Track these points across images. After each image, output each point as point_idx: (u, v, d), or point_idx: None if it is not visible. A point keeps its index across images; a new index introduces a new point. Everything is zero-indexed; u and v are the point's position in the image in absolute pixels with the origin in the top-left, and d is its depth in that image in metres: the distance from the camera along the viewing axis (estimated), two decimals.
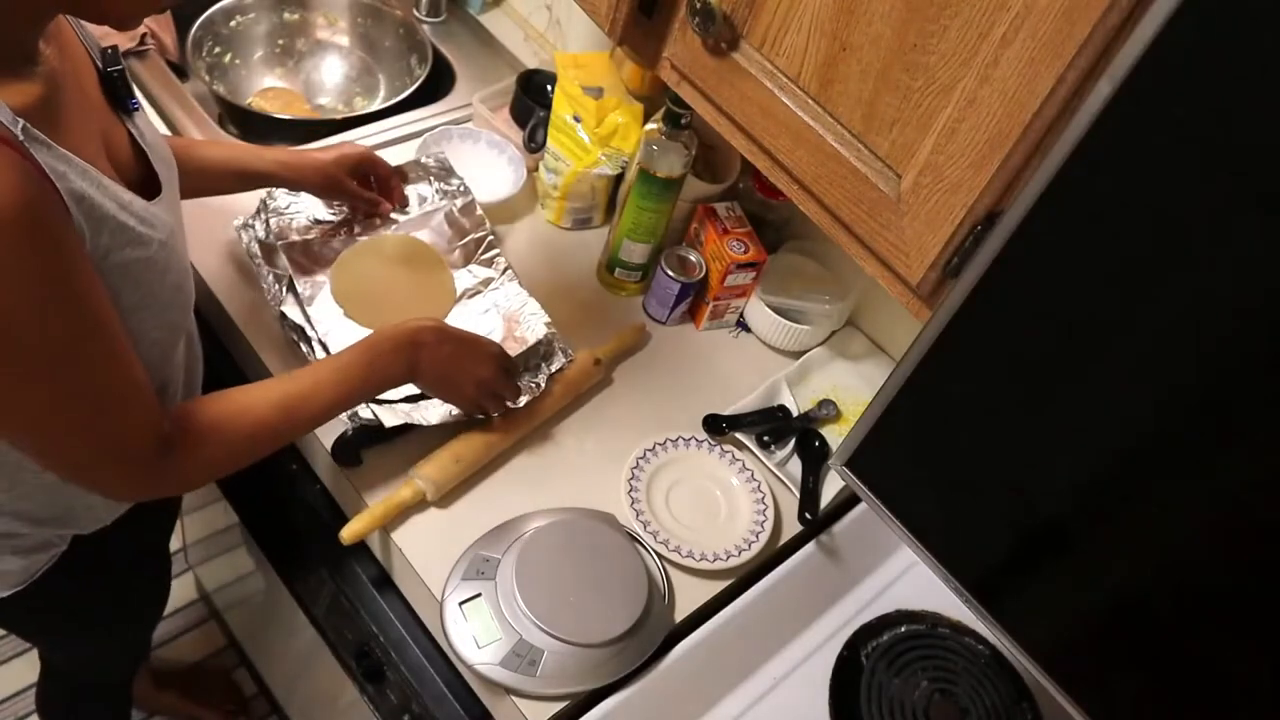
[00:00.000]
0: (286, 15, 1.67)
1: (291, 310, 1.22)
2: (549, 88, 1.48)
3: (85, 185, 0.77)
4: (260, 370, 1.23)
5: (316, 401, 0.99)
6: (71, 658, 1.42)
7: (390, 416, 1.15)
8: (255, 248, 1.26)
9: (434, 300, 1.30)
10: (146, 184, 0.91)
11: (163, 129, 1.41)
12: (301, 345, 1.21)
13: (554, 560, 1.08)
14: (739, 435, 1.28)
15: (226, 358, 1.29)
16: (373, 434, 1.15)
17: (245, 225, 1.28)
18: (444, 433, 1.17)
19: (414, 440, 1.17)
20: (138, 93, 0.96)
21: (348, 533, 1.08)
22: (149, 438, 0.87)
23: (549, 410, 1.24)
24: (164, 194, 0.91)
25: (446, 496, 1.15)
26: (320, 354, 1.19)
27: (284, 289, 1.23)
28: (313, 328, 1.21)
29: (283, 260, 1.24)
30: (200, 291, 1.22)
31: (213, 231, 1.30)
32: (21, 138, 0.71)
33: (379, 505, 1.09)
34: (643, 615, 1.07)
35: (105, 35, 1.43)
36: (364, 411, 1.14)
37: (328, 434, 1.15)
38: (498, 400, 1.16)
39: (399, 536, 1.11)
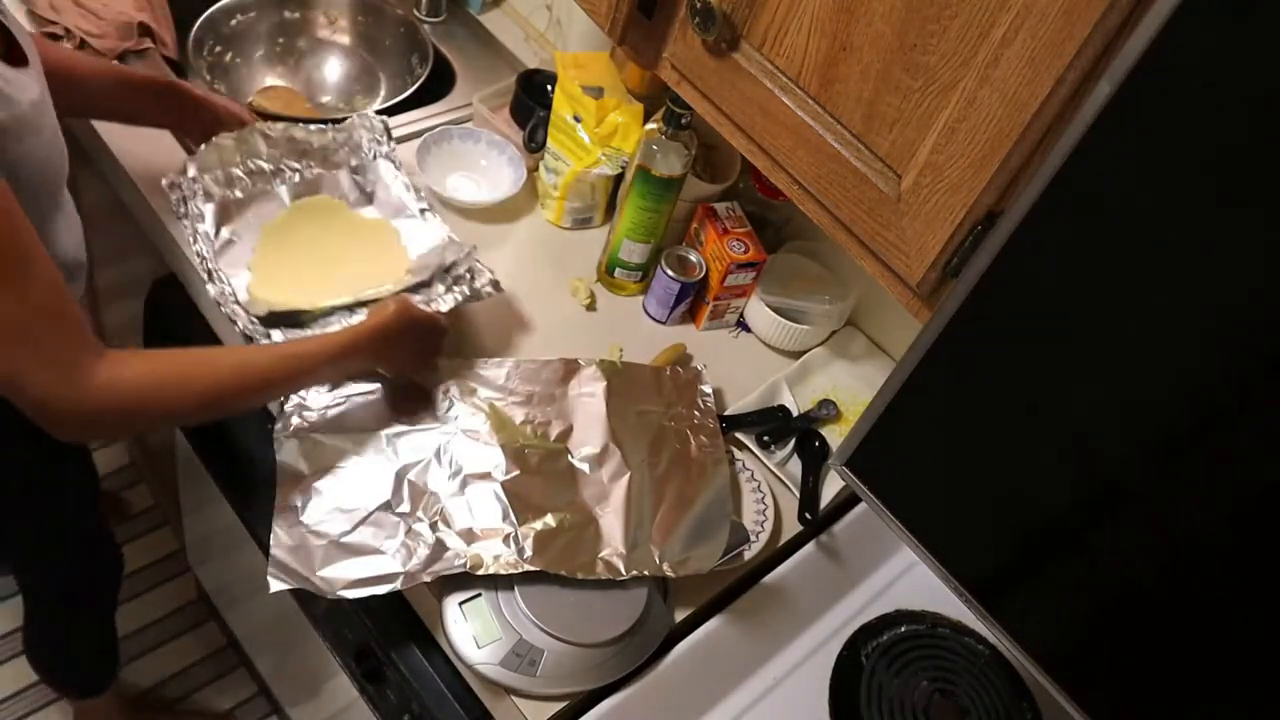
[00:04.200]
0: (287, 14, 1.67)
1: (219, 283, 1.20)
2: (549, 88, 1.48)
3: None
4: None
5: (271, 375, 1.01)
6: (36, 578, 1.45)
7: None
8: (182, 208, 1.25)
9: (382, 268, 1.28)
10: (10, 55, 0.94)
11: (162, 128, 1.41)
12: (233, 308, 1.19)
13: None
14: (739, 435, 1.28)
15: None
16: None
17: (172, 185, 1.26)
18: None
19: None
20: None
21: None
22: (83, 342, 0.89)
23: None
24: (31, 62, 0.94)
25: None
26: (255, 326, 1.17)
27: (207, 261, 1.22)
28: (237, 304, 1.18)
29: (208, 221, 1.24)
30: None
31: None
32: None
33: None
34: (643, 615, 1.07)
35: (104, 37, 1.43)
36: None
37: None
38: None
39: None
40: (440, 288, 1.24)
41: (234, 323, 1.16)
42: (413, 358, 1.17)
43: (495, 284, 1.25)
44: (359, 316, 1.19)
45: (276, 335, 1.16)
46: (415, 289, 1.24)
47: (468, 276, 1.25)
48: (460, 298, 1.23)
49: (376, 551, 1.04)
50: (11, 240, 0.84)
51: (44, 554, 1.40)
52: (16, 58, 0.93)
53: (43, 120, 0.93)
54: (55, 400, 0.89)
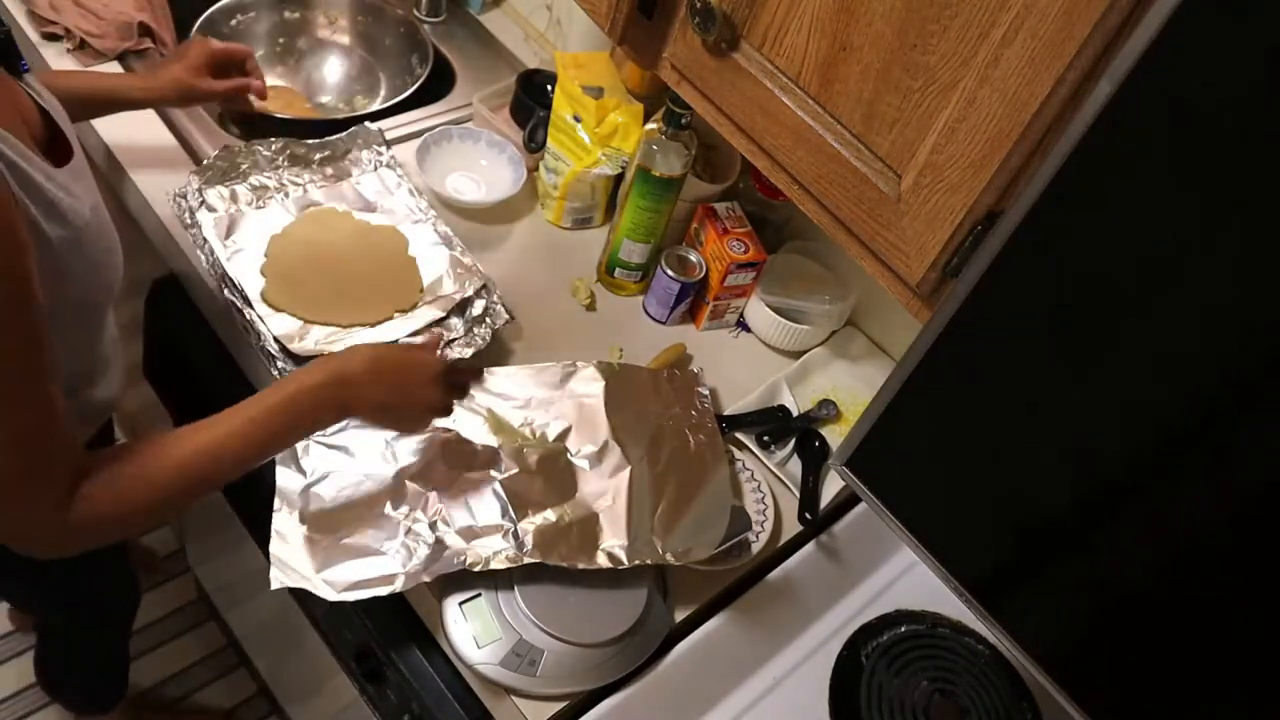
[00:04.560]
0: (287, 14, 1.67)
1: (229, 290, 1.21)
2: (549, 88, 1.48)
3: (14, 156, 0.76)
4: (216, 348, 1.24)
5: (227, 460, 0.90)
6: (54, 614, 1.43)
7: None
8: (189, 218, 1.25)
9: (392, 290, 1.27)
10: (54, 148, 0.90)
11: (163, 128, 1.41)
12: (245, 310, 1.20)
13: None
14: (739, 435, 1.28)
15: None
16: None
17: (178, 197, 1.26)
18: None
19: None
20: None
21: None
22: (65, 468, 0.82)
23: None
24: (76, 154, 0.90)
25: None
26: (262, 329, 1.17)
27: (219, 266, 1.22)
28: (251, 308, 1.19)
29: (211, 233, 1.24)
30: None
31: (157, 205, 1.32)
32: None
33: None
34: (643, 615, 1.07)
35: (104, 37, 1.43)
36: None
37: None
38: (447, 413, 1.09)
39: None
40: (459, 326, 1.25)
41: (271, 360, 1.17)
42: (407, 407, 1.03)
43: (510, 319, 1.27)
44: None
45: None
46: (431, 326, 1.23)
47: (487, 320, 1.26)
48: (482, 342, 1.24)
49: (376, 553, 1.04)
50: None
51: (64, 588, 1.38)
52: (61, 151, 0.89)
53: (101, 227, 0.87)
54: (14, 542, 0.85)
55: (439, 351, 1.08)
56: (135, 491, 0.86)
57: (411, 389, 1.02)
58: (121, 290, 1.00)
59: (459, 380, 1.07)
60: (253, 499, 1.32)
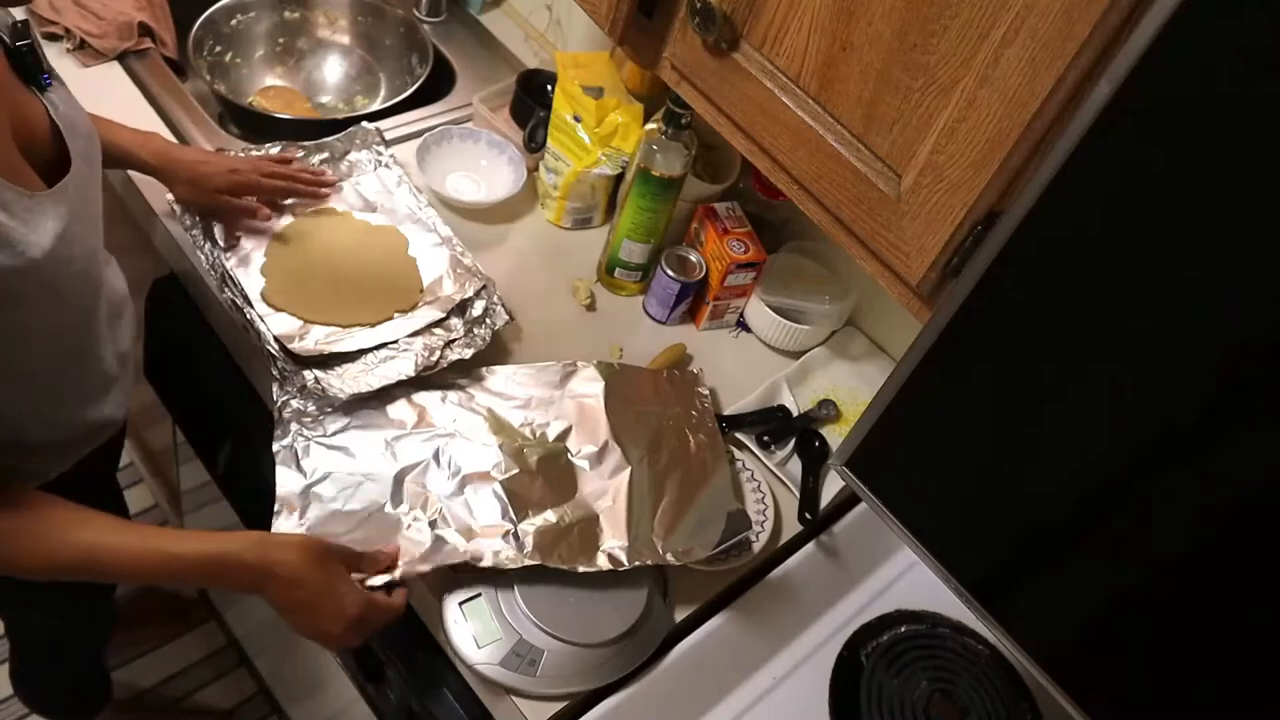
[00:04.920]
0: (287, 14, 1.67)
1: (230, 290, 1.21)
2: (549, 88, 1.48)
3: None
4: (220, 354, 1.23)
5: (125, 572, 0.93)
6: (26, 625, 1.43)
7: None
8: (188, 219, 1.25)
9: (391, 290, 1.27)
10: (62, 162, 0.90)
11: (162, 128, 1.41)
12: (245, 309, 1.20)
13: None
14: (739, 435, 1.28)
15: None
16: None
17: (184, 212, 1.26)
18: None
19: None
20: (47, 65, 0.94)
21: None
22: None
23: None
24: (73, 171, 0.89)
25: None
26: (263, 329, 1.17)
27: (219, 265, 1.22)
28: (251, 307, 1.19)
29: (216, 234, 1.24)
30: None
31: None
32: None
33: None
34: (643, 615, 1.07)
35: (104, 37, 1.43)
36: None
37: None
38: (347, 646, 1.05)
39: None
40: (459, 326, 1.24)
41: (272, 360, 1.16)
42: (311, 625, 0.98)
43: (510, 319, 1.27)
44: (384, 359, 1.18)
45: (308, 374, 1.15)
46: (432, 326, 1.23)
47: (487, 321, 1.26)
48: (482, 343, 1.23)
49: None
50: None
51: (46, 606, 1.38)
52: (55, 156, 0.89)
53: (69, 253, 0.86)
54: None
55: (387, 576, 1.02)
56: (25, 549, 0.88)
57: (321, 618, 0.97)
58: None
59: (375, 619, 1.00)
60: (253, 499, 1.32)
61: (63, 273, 0.88)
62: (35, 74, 0.90)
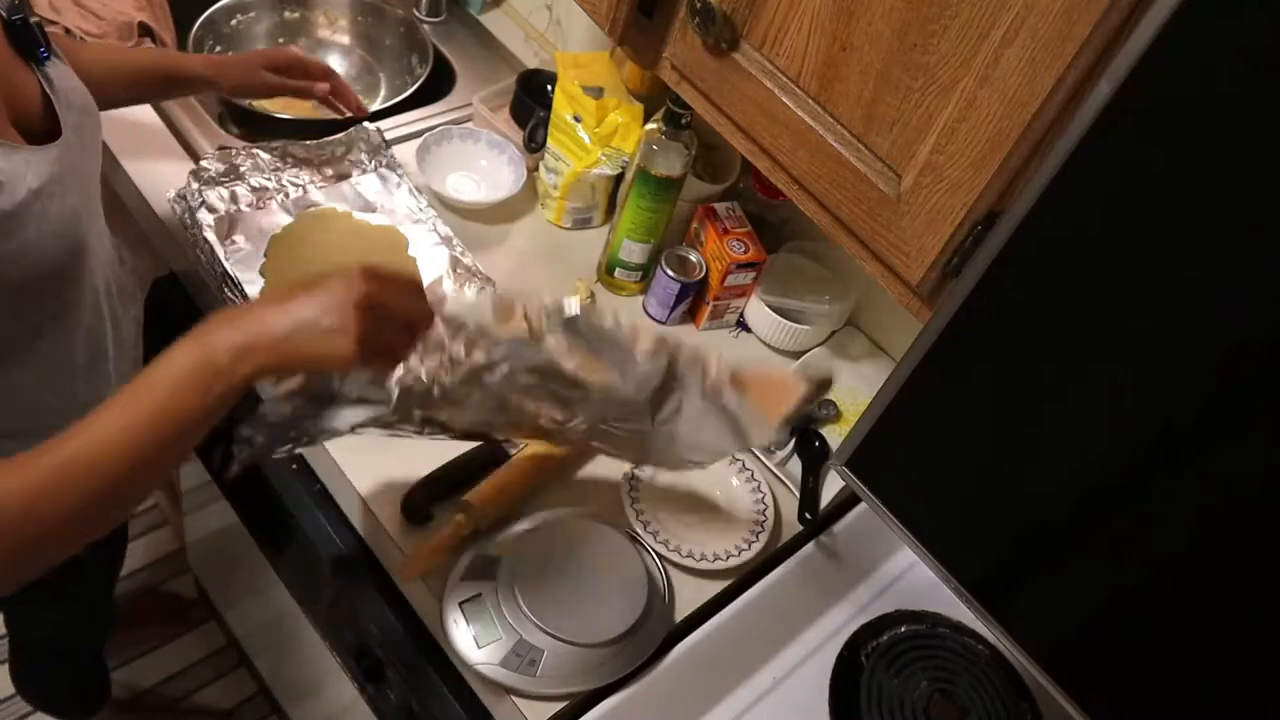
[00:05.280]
0: (287, 14, 1.67)
1: (230, 290, 1.21)
2: (549, 88, 1.48)
3: None
4: None
5: (102, 462, 0.70)
6: (26, 621, 1.43)
7: None
8: (188, 219, 1.25)
9: None
10: (53, 135, 0.90)
11: (162, 128, 1.41)
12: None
13: (554, 560, 1.07)
14: None
15: None
16: (441, 487, 1.14)
17: (178, 198, 1.26)
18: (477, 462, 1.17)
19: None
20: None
21: (407, 570, 1.06)
22: None
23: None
24: (63, 139, 0.90)
25: None
26: None
27: (219, 265, 1.22)
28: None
29: (211, 234, 1.23)
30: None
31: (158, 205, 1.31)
32: None
33: (436, 540, 1.08)
34: (643, 615, 1.07)
35: (104, 36, 1.43)
36: None
37: (367, 474, 1.14)
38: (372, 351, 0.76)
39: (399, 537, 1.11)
40: None
41: None
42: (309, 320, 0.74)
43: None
44: None
45: None
46: None
47: None
48: None
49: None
50: None
51: (46, 603, 1.38)
52: (47, 129, 0.90)
53: (45, 210, 0.84)
54: None
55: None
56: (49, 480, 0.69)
57: (316, 307, 0.75)
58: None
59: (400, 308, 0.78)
60: (253, 499, 1.32)
61: (36, 231, 0.85)
62: (32, 47, 0.91)
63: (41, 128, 0.90)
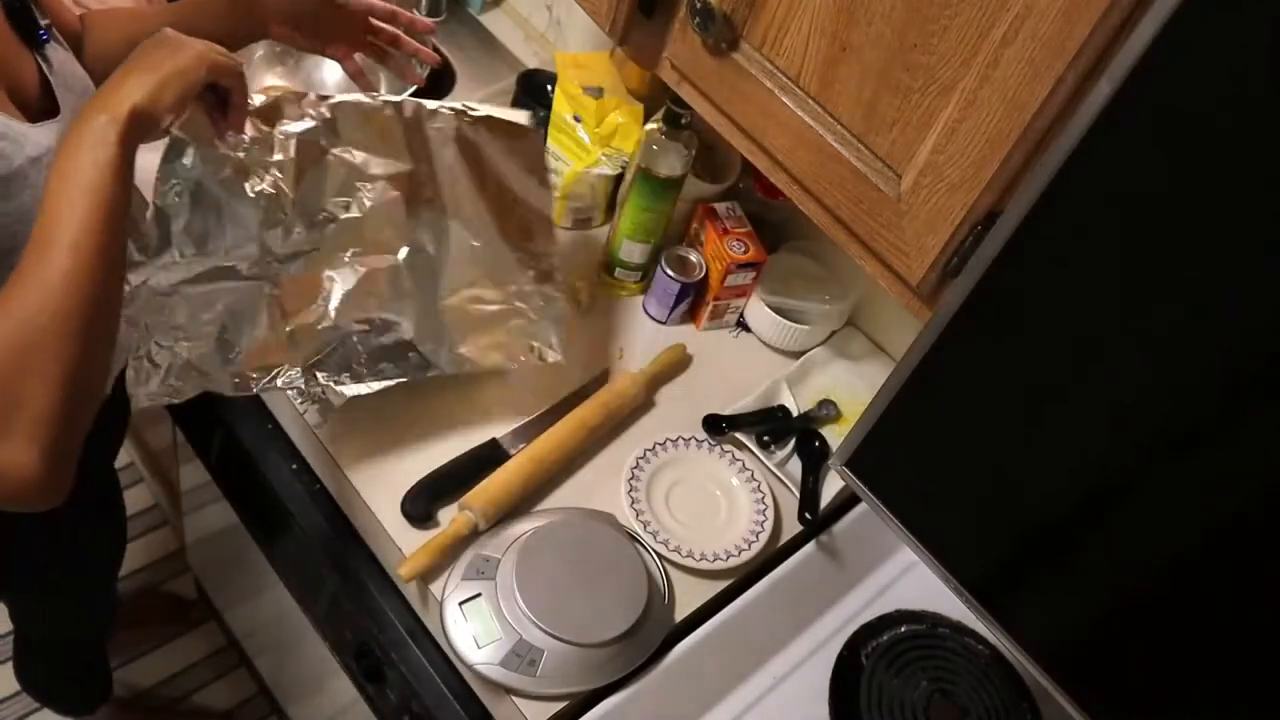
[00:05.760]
0: None
1: None
2: (549, 88, 1.48)
3: None
4: None
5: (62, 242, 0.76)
6: (29, 615, 1.44)
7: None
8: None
9: None
10: (52, 116, 0.91)
11: None
12: None
13: (554, 560, 1.08)
14: (739, 435, 1.28)
15: None
16: (441, 487, 1.14)
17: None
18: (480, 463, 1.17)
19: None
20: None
21: (407, 570, 1.06)
22: None
23: (595, 435, 1.22)
24: (60, 118, 0.91)
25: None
26: None
27: None
28: None
29: None
30: None
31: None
32: None
33: (436, 540, 1.08)
34: (643, 615, 1.07)
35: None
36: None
37: (381, 483, 1.14)
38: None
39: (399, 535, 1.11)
40: None
41: None
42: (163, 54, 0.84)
43: None
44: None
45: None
46: None
47: None
48: None
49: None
50: None
51: (49, 597, 1.40)
52: (45, 109, 0.91)
53: (42, 178, 0.83)
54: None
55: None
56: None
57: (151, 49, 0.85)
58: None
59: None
60: (253, 498, 1.32)
61: (32, 197, 0.86)
62: (32, 30, 0.92)
63: (40, 108, 0.92)
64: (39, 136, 0.87)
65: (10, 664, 1.85)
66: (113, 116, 0.80)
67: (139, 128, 0.82)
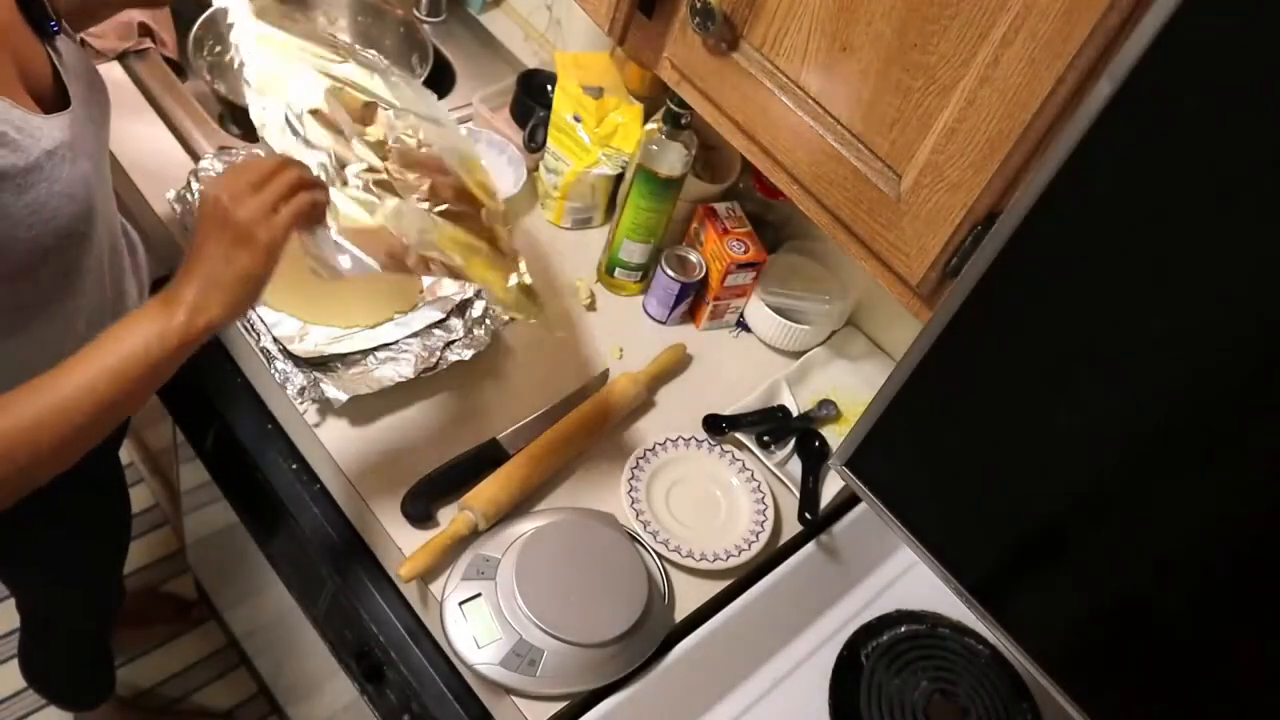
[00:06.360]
0: None
1: None
2: (549, 88, 1.48)
3: None
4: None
5: (66, 385, 0.82)
6: (33, 600, 1.45)
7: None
8: (189, 219, 1.25)
9: (391, 291, 1.25)
10: (62, 106, 0.93)
11: (162, 128, 1.41)
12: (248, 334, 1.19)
13: (554, 560, 1.07)
14: (739, 435, 1.28)
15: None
16: (441, 487, 1.14)
17: (178, 198, 1.26)
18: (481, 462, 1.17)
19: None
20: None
21: (407, 570, 1.06)
22: None
23: (595, 435, 1.23)
24: (72, 109, 0.92)
25: None
26: (263, 330, 1.16)
27: None
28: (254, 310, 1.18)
29: None
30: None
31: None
32: None
33: (436, 540, 1.08)
34: (643, 615, 1.07)
35: (103, 36, 1.44)
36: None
37: (379, 477, 1.14)
38: (298, 204, 0.87)
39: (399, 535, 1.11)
40: (459, 327, 1.25)
41: (270, 360, 1.17)
42: (226, 236, 0.85)
43: (510, 319, 1.27)
44: (384, 361, 1.19)
45: (307, 376, 1.16)
46: (432, 327, 1.24)
47: (487, 321, 1.26)
48: (481, 344, 1.24)
49: None
50: None
51: (55, 584, 1.40)
52: (57, 100, 0.93)
53: (56, 171, 0.87)
54: None
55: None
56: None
57: (217, 228, 0.85)
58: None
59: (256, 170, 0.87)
60: (253, 499, 1.32)
61: (47, 190, 0.88)
62: (43, 21, 0.93)
63: (51, 98, 0.93)
64: (53, 130, 0.89)
65: (10, 664, 1.85)
66: (187, 326, 0.83)
67: (205, 337, 0.86)
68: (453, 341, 1.22)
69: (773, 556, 1.22)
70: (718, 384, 1.34)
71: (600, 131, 1.40)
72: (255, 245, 0.85)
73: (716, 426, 1.27)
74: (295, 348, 1.16)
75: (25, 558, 1.28)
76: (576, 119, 1.40)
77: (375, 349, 1.19)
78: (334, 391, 1.14)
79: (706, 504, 1.22)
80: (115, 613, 1.60)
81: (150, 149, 1.38)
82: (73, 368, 0.82)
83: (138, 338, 0.83)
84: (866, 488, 0.95)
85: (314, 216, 0.90)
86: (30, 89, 0.90)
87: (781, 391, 1.35)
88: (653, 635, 1.09)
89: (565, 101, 1.41)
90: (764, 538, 1.19)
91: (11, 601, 1.86)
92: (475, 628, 1.03)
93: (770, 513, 1.21)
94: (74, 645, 1.59)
